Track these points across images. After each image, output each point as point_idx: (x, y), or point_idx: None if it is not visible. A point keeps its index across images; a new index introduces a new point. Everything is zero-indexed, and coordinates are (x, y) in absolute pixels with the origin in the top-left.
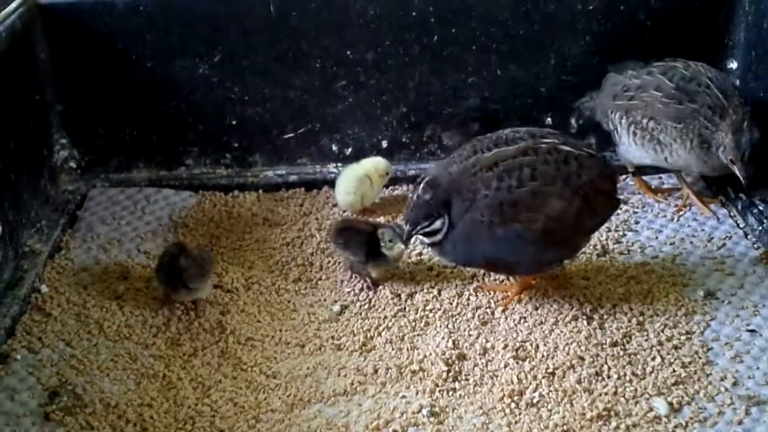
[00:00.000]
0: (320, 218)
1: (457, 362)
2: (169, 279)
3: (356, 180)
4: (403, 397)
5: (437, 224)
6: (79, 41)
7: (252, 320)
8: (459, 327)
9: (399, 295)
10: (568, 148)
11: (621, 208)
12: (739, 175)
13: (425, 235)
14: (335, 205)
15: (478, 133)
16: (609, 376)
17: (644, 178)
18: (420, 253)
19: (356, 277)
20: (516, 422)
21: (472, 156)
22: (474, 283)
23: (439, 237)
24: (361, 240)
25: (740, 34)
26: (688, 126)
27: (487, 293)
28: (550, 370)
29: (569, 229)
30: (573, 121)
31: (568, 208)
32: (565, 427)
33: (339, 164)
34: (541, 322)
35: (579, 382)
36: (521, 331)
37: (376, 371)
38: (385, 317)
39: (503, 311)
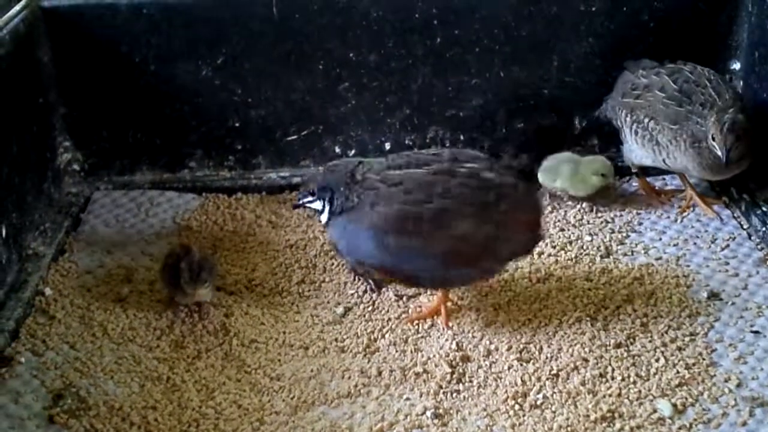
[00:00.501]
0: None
1: (460, 364)
2: (172, 281)
3: None
4: (407, 399)
5: (317, 204)
6: (83, 44)
7: (256, 322)
8: (463, 329)
9: (402, 297)
10: (490, 176)
11: (624, 209)
12: (719, 151)
13: (315, 210)
14: None
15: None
16: (613, 378)
17: (648, 179)
18: None
19: (360, 280)
20: (520, 424)
21: (384, 170)
22: (478, 285)
23: (323, 218)
24: None
25: (743, 35)
26: (682, 127)
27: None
28: (554, 372)
29: (479, 253)
30: (576, 122)
31: (476, 233)
32: (569, 429)
33: None
34: (545, 324)
35: (583, 383)
36: (525, 332)
37: (379, 373)
38: (389, 319)
39: (506, 313)
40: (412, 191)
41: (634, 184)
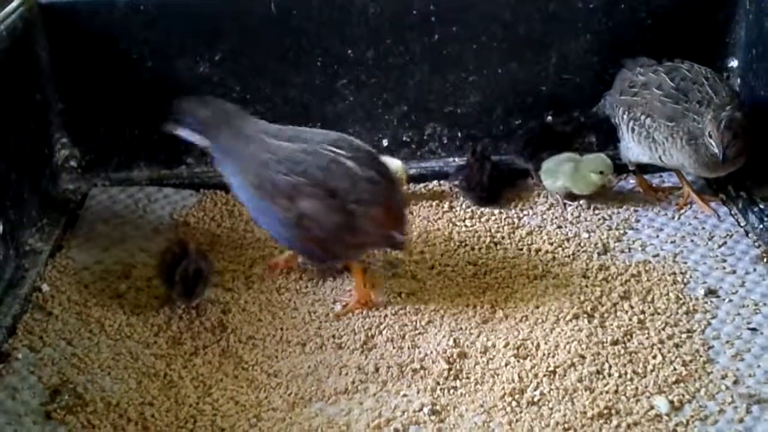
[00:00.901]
0: None
1: (458, 360)
2: (169, 279)
3: None
4: (404, 395)
5: (195, 138)
6: (80, 40)
7: (253, 319)
8: (460, 325)
9: (400, 294)
10: (352, 165)
11: (621, 207)
12: (716, 148)
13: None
14: None
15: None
16: (610, 375)
17: (645, 176)
18: (422, 251)
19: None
20: (517, 420)
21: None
22: (476, 282)
23: (204, 143)
24: None
25: (741, 32)
26: (678, 124)
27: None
28: (551, 369)
29: (328, 236)
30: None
31: (324, 217)
32: (566, 426)
33: None
34: (542, 321)
35: (580, 380)
36: (522, 329)
37: (377, 370)
38: (386, 316)
39: (503, 310)
40: (281, 161)
41: (631, 181)
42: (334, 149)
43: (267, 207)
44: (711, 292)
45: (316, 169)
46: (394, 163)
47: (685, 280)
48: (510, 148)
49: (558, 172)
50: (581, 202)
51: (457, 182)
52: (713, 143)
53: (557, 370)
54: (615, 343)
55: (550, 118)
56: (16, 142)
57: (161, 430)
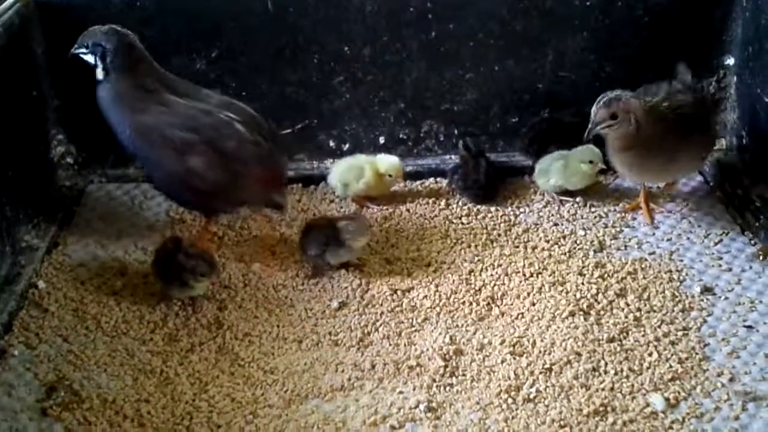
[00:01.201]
0: (318, 214)
1: (454, 358)
2: (165, 275)
3: (347, 168)
4: (401, 392)
5: (90, 58)
6: (77, 37)
7: (249, 316)
8: (456, 323)
9: (396, 291)
10: (240, 129)
11: (618, 204)
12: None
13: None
14: (332, 201)
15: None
16: (606, 372)
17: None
18: (418, 248)
19: (353, 274)
20: (513, 417)
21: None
22: (472, 279)
23: (99, 75)
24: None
25: (737, 30)
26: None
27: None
28: (547, 366)
29: (211, 191)
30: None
31: (211, 173)
32: (562, 423)
33: (337, 160)
34: (538, 318)
35: (576, 377)
36: (518, 326)
37: (373, 367)
38: (382, 313)
39: (499, 307)
40: (176, 115)
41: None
42: (228, 113)
43: (155, 159)
44: (707, 290)
45: (209, 128)
46: (390, 161)
47: (681, 277)
48: (516, 146)
49: (549, 170)
50: (578, 199)
51: (453, 180)
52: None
53: (553, 367)
54: (611, 340)
55: (546, 113)
56: (12, 138)
57: (157, 426)
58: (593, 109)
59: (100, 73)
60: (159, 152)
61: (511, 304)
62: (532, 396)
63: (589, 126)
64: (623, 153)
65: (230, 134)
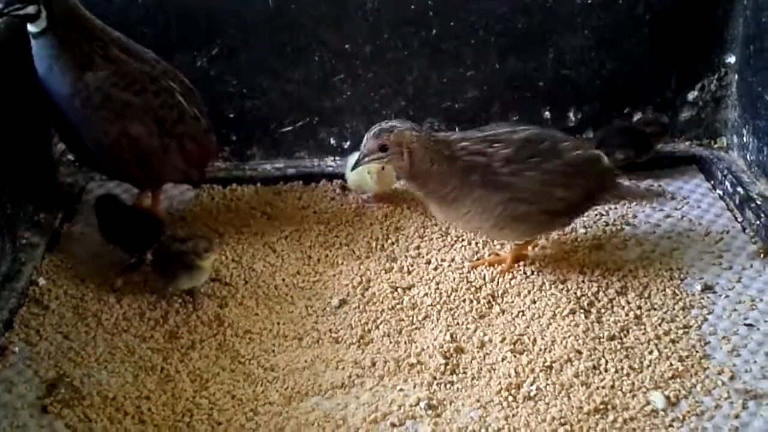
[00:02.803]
0: (318, 211)
1: (454, 355)
2: (169, 268)
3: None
4: (401, 390)
5: (30, 9)
6: None
7: (250, 313)
8: (457, 320)
9: (397, 289)
10: (181, 101)
11: (618, 202)
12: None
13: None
14: (333, 198)
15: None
16: (606, 370)
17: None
18: (418, 247)
19: (355, 270)
20: (513, 415)
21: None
22: (472, 277)
23: (36, 27)
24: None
25: (738, 28)
26: None
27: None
28: (548, 364)
29: (137, 160)
30: (571, 114)
31: (146, 140)
32: (562, 421)
33: (337, 158)
34: (539, 316)
35: (576, 375)
36: (519, 324)
37: (373, 364)
38: (383, 310)
39: (499, 305)
40: (123, 76)
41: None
42: (171, 83)
43: (85, 117)
44: (707, 288)
45: (153, 95)
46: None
47: (682, 275)
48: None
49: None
50: None
51: None
52: None
53: (554, 365)
54: (611, 338)
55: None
56: (13, 135)
57: (158, 423)
58: (365, 139)
59: (42, 22)
60: (92, 111)
61: (512, 302)
62: (532, 394)
63: (358, 156)
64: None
65: (173, 104)
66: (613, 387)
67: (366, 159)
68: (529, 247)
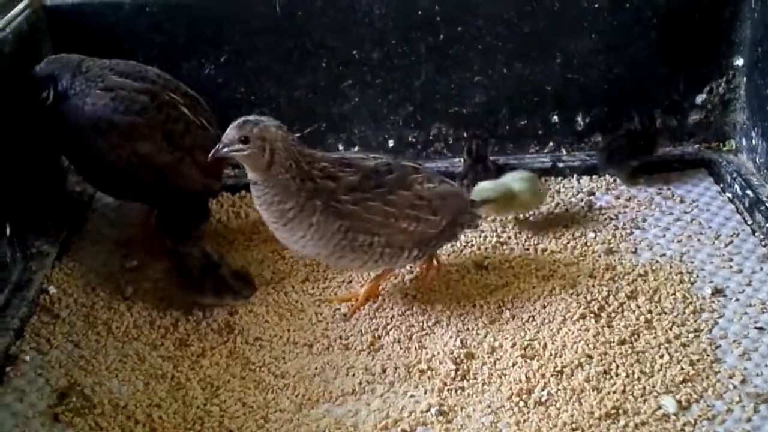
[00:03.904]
0: None
1: (465, 361)
2: (200, 286)
3: None
4: (412, 396)
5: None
6: (85, 42)
7: (260, 320)
8: (467, 326)
9: (406, 295)
10: (186, 112)
11: (627, 207)
12: None
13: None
14: None
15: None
16: (617, 375)
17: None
18: None
19: (365, 276)
20: (524, 421)
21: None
22: (483, 283)
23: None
24: None
25: (746, 31)
26: None
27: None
28: (559, 369)
29: (153, 176)
30: (579, 118)
31: (158, 157)
32: (573, 426)
33: None
34: (549, 321)
35: (587, 380)
36: (529, 329)
37: (384, 370)
38: (393, 316)
39: (510, 310)
40: (122, 100)
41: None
42: (174, 96)
43: (96, 146)
44: (718, 292)
45: (154, 109)
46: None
47: (692, 279)
48: (599, 160)
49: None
50: (585, 200)
51: (461, 185)
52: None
53: (564, 370)
54: (622, 342)
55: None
56: (23, 144)
57: (169, 431)
58: (228, 129)
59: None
60: (103, 138)
61: (522, 307)
62: (543, 399)
63: (218, 146)
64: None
65: (178, 117)
66: (624, 391)
67: (224, 149)
68: (382, 283)
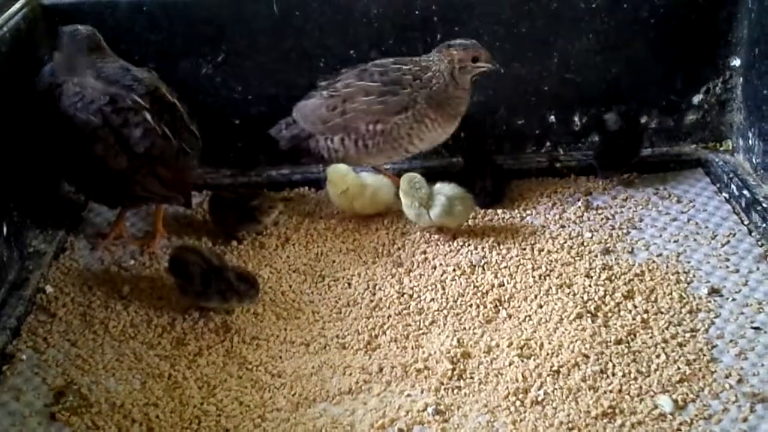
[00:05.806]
0: (324, 217)
1: (461, 360)
2: (205, 290)
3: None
4: (408, 395)
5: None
6: None
7: (257, 319)
8: (463, 325)
9: (403, 294)
10: (148, 119)
11: (624, 206)
12: None
13: None
14: None
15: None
16: (614, 374)
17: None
18: (424, 252)
19: (362, 275)
20: (521, 420)
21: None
22: (479, 282)
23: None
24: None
25: (743, 31)
26: None
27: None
28: (555, 368)
29: (116, 176)
30: (576, 118)
31: (111, 160)
32: (570, 425)
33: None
34: (546, 320)
35: (584, 379)
36: (526, 329)
37: (380, 370)
38: (390, 316)
39: (506, 309)
40: (82, 98)
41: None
42: (140, 101)
43: (66, 143)
44: (714, 291)
45: (112, 114)
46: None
47: (689, 279)
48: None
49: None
50: (581, 201)
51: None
52: None
53: (561, 369)
54: (619, 342)
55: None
56: (20, 143)
57: (166, 430)
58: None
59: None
60: (71, 136)
61: (519, 307)
62: (540, 398)
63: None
64: None
65: (136, 122)
66: (620, 391)
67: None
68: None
